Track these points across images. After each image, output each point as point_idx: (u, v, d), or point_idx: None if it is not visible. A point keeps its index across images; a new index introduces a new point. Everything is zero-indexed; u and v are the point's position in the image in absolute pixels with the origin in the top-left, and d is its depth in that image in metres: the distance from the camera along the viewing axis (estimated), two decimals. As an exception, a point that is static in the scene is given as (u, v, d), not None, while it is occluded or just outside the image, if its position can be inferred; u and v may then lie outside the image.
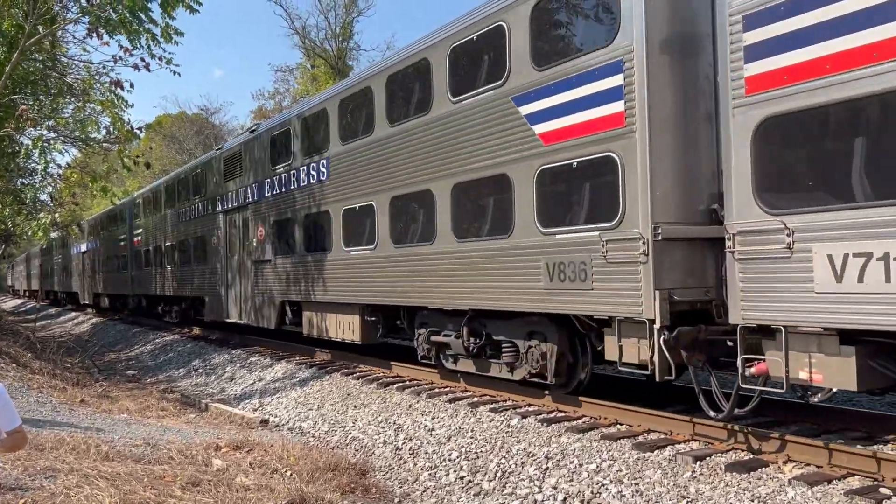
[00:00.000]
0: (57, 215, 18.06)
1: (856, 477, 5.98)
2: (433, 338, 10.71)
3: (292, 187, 14.45)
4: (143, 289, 27.33)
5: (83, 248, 39.65)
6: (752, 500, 5.75)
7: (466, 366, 10.34)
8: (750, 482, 6.11)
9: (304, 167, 13.89)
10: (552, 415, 8.88)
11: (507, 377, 9.61)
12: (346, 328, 12.89)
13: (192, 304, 22.64)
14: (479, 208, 9.63)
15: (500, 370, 9.69)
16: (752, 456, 6.72)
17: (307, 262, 13.87)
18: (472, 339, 9.89)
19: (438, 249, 10.15)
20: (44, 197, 21.00)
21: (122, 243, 30.47)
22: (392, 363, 12.94)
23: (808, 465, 6.32)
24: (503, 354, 9.41)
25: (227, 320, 18.26)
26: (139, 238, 27.69)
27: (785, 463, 6.44)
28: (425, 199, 10.42)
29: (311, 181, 13.66)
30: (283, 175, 14.90)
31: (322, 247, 13.34)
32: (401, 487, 7.91)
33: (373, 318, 12.39)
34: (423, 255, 10.46)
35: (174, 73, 14.84)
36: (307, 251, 13.91)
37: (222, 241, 18.38)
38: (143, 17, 13.52)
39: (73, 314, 41.56)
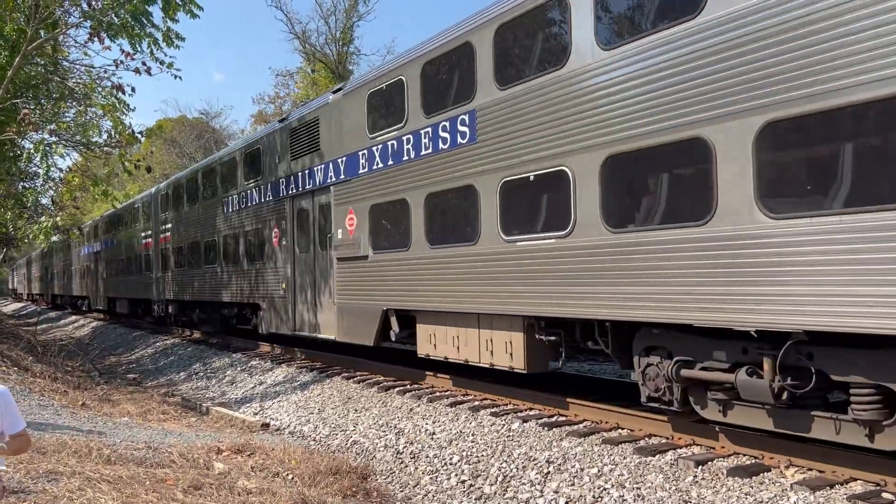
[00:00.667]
0: (58, 219, 18.03)
1: (858, 482, 5.97)
2: (685, 372, 7.07)
3: (405, 158, 10.96)
4: (172, 293, 23.74)
5: (95, 247, 36.53)
6: (754, 505, 5.75)
7: (757, 419, 6.72)
8: (752, 486, 6.11)
9: (428, 129, 10.42)
10: (553, 419, 8.88)
11: (857, 443, 6.07)
12: (497, 350, 9.42)
13: (239, 312, 19.10)
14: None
15: (836, 429, 6.16)
16: (753, 460, 6.72)
17: (429, 259, 10.44)
18: (785, 378, 6.20)
19: (727, 232, 6.38)
20: (45, 200, 21.02)
21: (146, 241, 26.87)
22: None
23: (811, 469, 6.31)
24: (854, 406, 5.89)
25: (297, 333, 14.85)
26: (167, 235, 24.10)
27: (787, 467, 6.44)
28: (690, 154, 6.80)
29: (440, 147, 10.17)
30: (388, 144, 11.40)
31: (458, 237, 9.90)
32: (402, 491, 7.91)
33: (549, 337, 8.79)
34: (684, 241, 6.77)
35: (175, 76, 14.89)
36: (432, 243, 10.39)
37: (288, 233, 15.08)
38: (144, 21, 13.55)
39: (74, 318, 41.55)
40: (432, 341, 10.68)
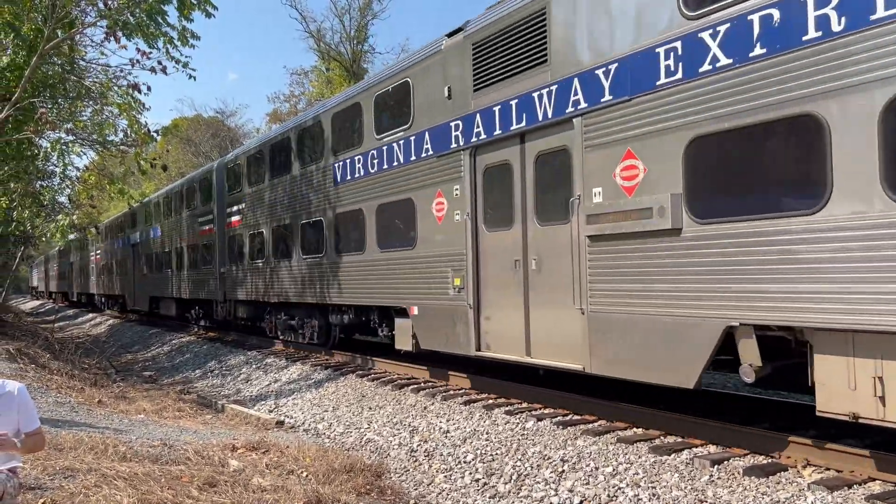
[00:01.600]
0: (75, 217, 18.18)
1: (877, 482, 5.91)
2: None
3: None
4: (245, 292, 18.82)
5: (134, 238, 31.93)
6: (771, 505, 5.70)
7: None
8: (769, 486, 6.06)
9: None
10: (568, 417, 8.85)
11: None
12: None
13: (358, 320, 14.10)
14: None
15: None
16: (770, 460, 6.66)
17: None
18: None
19: None
20: (62, 199, 21.20)
21: (205, 227, 21.95)
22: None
23: (828, 469, 6.26)
24: None
25: (484, 356, 10.05)
26: (237, 218, 19.29)
27: (804, 467, 6.38)
28: None
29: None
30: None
31: None
32: (416, 489, 7.91)
33: None
34: None
35: (190, 76, 14.94)
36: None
37: (467, 202, 10.19)
38: (160, 20, 13.62)
39: (91, 315, 41.88)
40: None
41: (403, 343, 11.85)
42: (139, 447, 7.89)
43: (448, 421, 9.50)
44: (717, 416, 7.92)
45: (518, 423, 8.79)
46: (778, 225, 6.17)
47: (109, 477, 5.91)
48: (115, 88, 15.07)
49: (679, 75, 7.04)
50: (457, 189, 10.51)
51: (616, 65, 7.77)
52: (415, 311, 11.43)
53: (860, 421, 5.69)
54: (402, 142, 11.82)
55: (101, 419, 10.50)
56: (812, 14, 5.92)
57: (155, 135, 15.91)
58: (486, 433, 8.72)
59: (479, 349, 10.08)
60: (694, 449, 7.20)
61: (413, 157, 11.50)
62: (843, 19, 5.72)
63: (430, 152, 11.06)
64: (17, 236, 22.70)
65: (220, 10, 14.11)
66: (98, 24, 14.23)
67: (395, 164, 11.98)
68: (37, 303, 71.25)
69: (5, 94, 14.90)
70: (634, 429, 8.14)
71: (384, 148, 12.30)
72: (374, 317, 13.51)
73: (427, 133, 11.14)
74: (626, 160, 7.68)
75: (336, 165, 13.99)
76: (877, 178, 5.48)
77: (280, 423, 11.26)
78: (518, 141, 9.37)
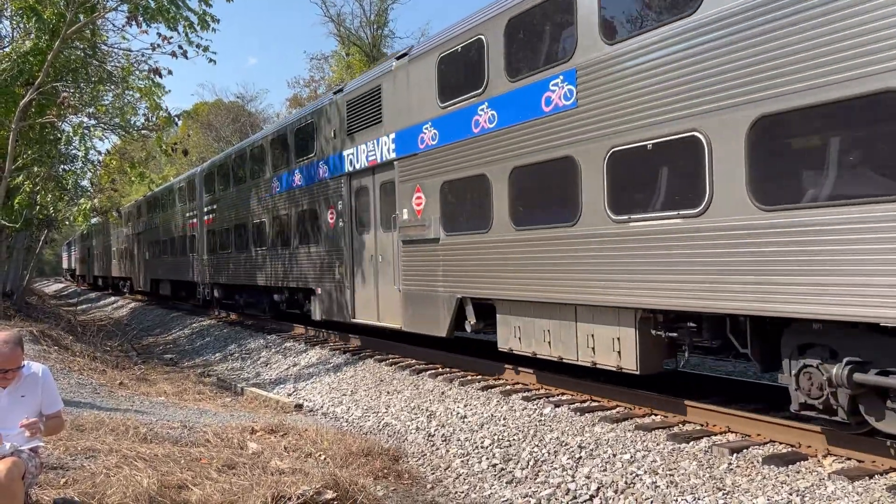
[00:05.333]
0: (96, 201, 18.34)
1: (898, 472, 5.85)
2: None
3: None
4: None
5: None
6: (791, 494, 5.66)
7: None
8: (788, 475, 6.01)
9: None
10: (585, 404, 8.83)
11: None
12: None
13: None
14: None
15: None
16: (790, 449, 6.61)
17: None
18: None
19: None
20: (84, 183, 21.37)
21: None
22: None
23: (849, 459, 6.19)
24: None
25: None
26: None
27: (824, 456, 6.32)
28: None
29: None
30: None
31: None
32: (433, 474, 7.93)
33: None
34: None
35: (210, 60, 14.99)
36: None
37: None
38: (180, 3, 13.66)
39: (113, 299, 42.33)
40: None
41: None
42: (159, 429, 7.97)
43: (465, 406, 9.51)
44: (737, 404, 7.87)
45: (535, 409, 8.78)
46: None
47: (130, 458, 5.96)
48: (137, 73, 15.15)
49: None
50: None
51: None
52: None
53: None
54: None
55: (123, 401, 10.61)
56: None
57: (175, 119, 15.98)
58: (504, 419, 8.72)
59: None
60: (713, 437, 7.16)
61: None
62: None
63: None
64: (41, 220, 22.94)
65: (240, -6, 14.09)
66: (119, 8, 14.31)
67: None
68: (60, 286, 72.05)
69: (28, 78, 15.03)
70: (653, 416, 8.11)
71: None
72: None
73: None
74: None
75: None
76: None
77: (299, 407, 11.33)
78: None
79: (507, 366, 10.62)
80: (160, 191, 30.32)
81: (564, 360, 8.80)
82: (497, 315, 9.94)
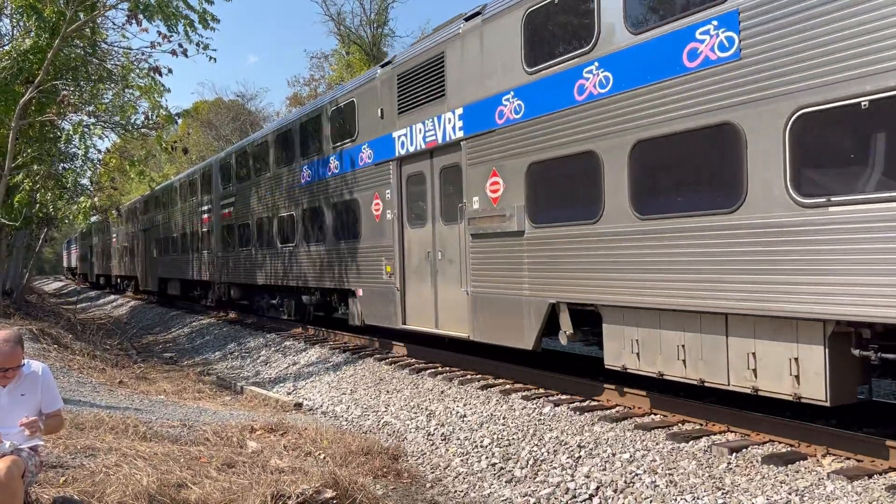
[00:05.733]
0: (96, 199, 18.33)
1: (897, 472, 5.85)
2: None
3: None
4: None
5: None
6: (790, 493, 5.66)
7: None
8: (787, 475, 6.01)
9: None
10: (585, 403, 8.83)
11: None
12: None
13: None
14: None
15: None
16: (789, 448, 6.61)
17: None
18: None
19: None
20: (84, 181, 21.35)
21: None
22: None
23: (848, 458, 6.20)
24: None
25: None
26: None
27: (824, 456, 6.32)
28: None
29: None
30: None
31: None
32: (433, 473, 7.93)
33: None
34: None
35: (210, 58, 14.98)
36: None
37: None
38: (180, 1, 13.66)
39: (112, 297, 42.32)
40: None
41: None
42: (159, 427, 7.97)
43: (465, 405, 9.51)
44: (735, 404, 7.87)
45: (535, 409, 8.78)
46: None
47: (129, 456, 5.96)
48: (137, 71, 15.14)
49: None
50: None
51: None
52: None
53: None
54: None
55: (122, 399, 10.61)
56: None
57: (176, 118, 15.97)
58: (503, 418, 8.73)
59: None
60: (712, 436, 7.16)
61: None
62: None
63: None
64: (41, 218, 22.94)
65: (241, -7, 14.09)
66: (119, 6, 14.30)
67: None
68: (60, 284, 72.04)
69: (28, 76, 15.02)
70: (652, 416, 8.11)
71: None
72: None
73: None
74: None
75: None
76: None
77: (298, 406, 11.33)
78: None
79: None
80: (170, 184, 28.94)
81: (709, 384, 7.06)
82: (604, 325, 8.13)
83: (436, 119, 10.96)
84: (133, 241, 36.24)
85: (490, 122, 9.73)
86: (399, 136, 11.96)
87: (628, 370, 7.83)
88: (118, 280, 43.39)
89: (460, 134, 10.40)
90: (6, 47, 15.39)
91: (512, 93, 9.32)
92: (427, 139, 11.21)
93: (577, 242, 8.31)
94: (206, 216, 23.70)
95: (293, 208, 16.44)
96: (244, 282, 20.42)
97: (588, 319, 8.77)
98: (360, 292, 13.46)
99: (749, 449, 6.67)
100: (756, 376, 6.56)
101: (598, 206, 7.96)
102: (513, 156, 9.32)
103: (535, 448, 7.69)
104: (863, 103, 5.49)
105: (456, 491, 7.37)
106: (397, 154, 12.01)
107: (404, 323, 12.07)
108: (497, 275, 9.67)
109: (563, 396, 9.22)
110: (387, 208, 12.41)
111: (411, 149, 11.62)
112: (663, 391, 8.44)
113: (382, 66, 12.60)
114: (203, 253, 23.99)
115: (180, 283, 28.29)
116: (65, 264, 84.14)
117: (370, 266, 13.01)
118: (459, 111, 10.41)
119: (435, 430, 9.05)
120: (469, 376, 10.89)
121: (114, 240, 42.87)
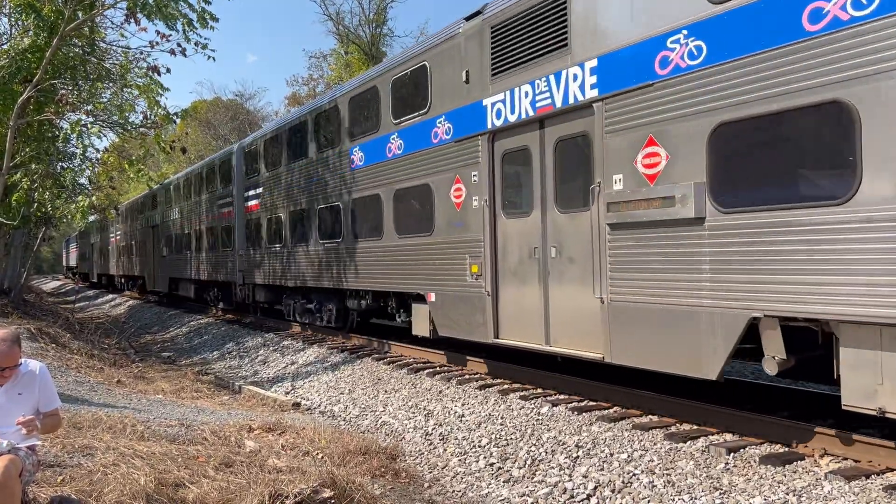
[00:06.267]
0: (94, 198, 18.32)
1: (895, 472, 5.85)
2: None
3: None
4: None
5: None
6: (788, 494, 5.66)
7: None
8: (785, 475, 6.02)
9: None
10: (583, 403, 8.83)
11: None
12: None
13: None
14: None
15: None
16: (787, 449, 6.61)
17: None
18: None
19: None
20: (82, 181, 21.34)
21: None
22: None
23: (846, 458, 6.20)
24: None
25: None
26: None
27: (821, 456, 6.33)
28: None
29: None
30: None
31: None
32: (430, 472, 7.93)
33: None
34: None
35: (209, 58, 14.97)
36: None
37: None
38: (179, 1, 13.66)
39: (111, 296, 42.28)
40: None
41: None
42: (157, 427, 7.97)
43: (463, 405, 9.51)
44: (733, 403, 7.88)
45: (533, 409, 8.79)
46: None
47: (127, 456, 5.96)
48: (135, 70, 15.14)
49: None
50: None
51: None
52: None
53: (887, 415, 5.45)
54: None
55: (120, 399, 10.60)
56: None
57: (174, 117, 15.96)
58: (501, 418, 8.73)
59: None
60: (710, 437, 7.17)
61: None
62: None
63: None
64: (39, 217, 22.93)
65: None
66: (117, 5, 14.29)
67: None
68: (58, 283, 71.97)
69: (26, 75, 15.01)
70: (650, 416, 8.12)
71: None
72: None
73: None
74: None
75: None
76: None
77: (296, 405, 11.33)
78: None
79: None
80: (182, 176, 27.08)
81: None
82: (840, 348, 5.87)
83: (551, 78, 8.68)
84: (140, 239, 34.55)
85: (646, 74, 7.45)
86: (492, 105, 9.72)
87: (887, 414, 5.53)
88: (121, 280, 41.67)
89: (592, 94, 8.10)
90: (4, 46, 15.39)
91: (684, 31, 7.04)
92: (538, 104, 8.91)
93: (807, 233, 5.97)
94: (226, 210, 21.67)
95: (339, 198, 14.31)
96: (272, 283, 18.27)
97: (799, 340, 6.59)
98: (431, 297, 11.20)
99: (747, 449, 6.67)
100: None
101: (852, 180, 5.64)
102: (686, 116, 7.00)
103: (532, 448, 7.69)
104: None
105: (454, 491, 7.37)
106: (490, 126, 9.74)
107: (497, 336, 9.83)
108: (655, 277, 7.33)
109: (562, 396, 9.22)
110: (472, 194, 10.15)
111: (511, 118, 9.35)
112: (663, 392, 8.45)
113: (468, 19, 10.31)
114: (222, 251, 22.07)
115: (193, 284, 26.21)
116: (64, 263, 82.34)
117: (447, 265, 10.80)
118: (591, 63, 8.13)
119: (433, 429, 9.05)
120: (467, 376, 10.90)
121: (117, 238, 41.11)
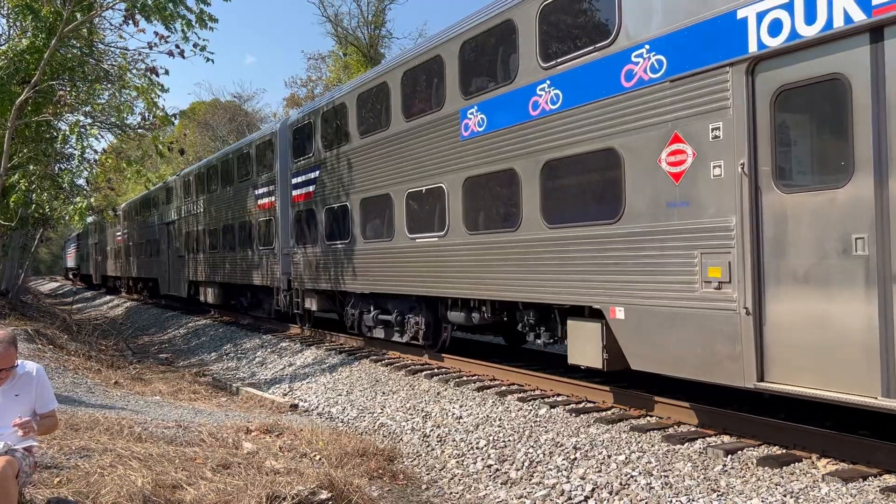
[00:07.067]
0: (92, 200, 18.31)
1: (893, 474, 5.85)
2: None
3: None
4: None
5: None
6: (785, 496, 5.66)
7: None
8: (782, 477, 6.02)
9: None
10: (581, 405, 8.83)
11: None
12: None
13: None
14: None
15: None
16: (784, 450, 6.62)
17: None
18: None
19: None
20: (80, 182, 21.32)
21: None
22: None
23: (843, 460, 6.20)
24: None
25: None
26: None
27: (819, 458, 6.33)
28: None
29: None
30: None
31: None
32: (428, 474, 7.93)
33: None
34: None
35: (208, 59, 14.98)
36: None
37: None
38: (178, 1, 13.66)
39: (108, 298, 42.23)
40: None
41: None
42: (154, 428, 7.96)
43: (461, 407, 9.51)
44: (731, 405, 7.89)
45: (531, 410, 8.78)
46: None
47: (124, 457, 5.95)
48: (134, 71, 15.14)
49: None
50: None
51: None
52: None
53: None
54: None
55: (118, 400, 10.59)
56: None
57: (173, 118, 15.96)
58: (499, 420, 8.72)
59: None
60: (707, 438, 7.17)
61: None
62: None
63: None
64: (37, 219, 22.91)
65: (238, -7, 14.13)
66: (116, 6, 14.29)
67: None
68: (56, 284, 71.84)
69: (25, 76, 15.00)
70: (648, 417, 8.12)
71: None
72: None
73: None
74: None
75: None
76: None
77: (294, 407, 11.32)
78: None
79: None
80: (203, 164, 23.90)
81: None
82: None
83: None
84: (151, 238, 30.86)
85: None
86: (759, 14, 6.31)
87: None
88: (130, 283, 37.94)
89: None
90: (3, 47, 15.36)
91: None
92: (874, 1, 5.49)
93: None
94: (264, 201, 18.29)
95: (442, 177, 10.94)
96: (333, 288, 14.85)
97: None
98: (617, 313, 7.89)
99: (745, 451, 6.68)
100: None
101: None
102: None
103: (530, 450, 7.69)
104: None
105: (451, 492, 7.37)
106: (754, 49, 6.35)
107: (762, 378, 6.41)
108: None
109: (559, 398, 9.22)
110: (710, 158, 6.76)
111: (806, 30, 5.93)
112: (663, 392, 8.45)
113: None
114: (259, 249, 18.79)
115: (220, 288, 22.64)
116: (66, 265, 78.00)
117: (650, 267, 7.44)
118: None
119: (431, 431, 9.05)
120: (465, 378, 10.89)
121: (124, 237, 37.49)
